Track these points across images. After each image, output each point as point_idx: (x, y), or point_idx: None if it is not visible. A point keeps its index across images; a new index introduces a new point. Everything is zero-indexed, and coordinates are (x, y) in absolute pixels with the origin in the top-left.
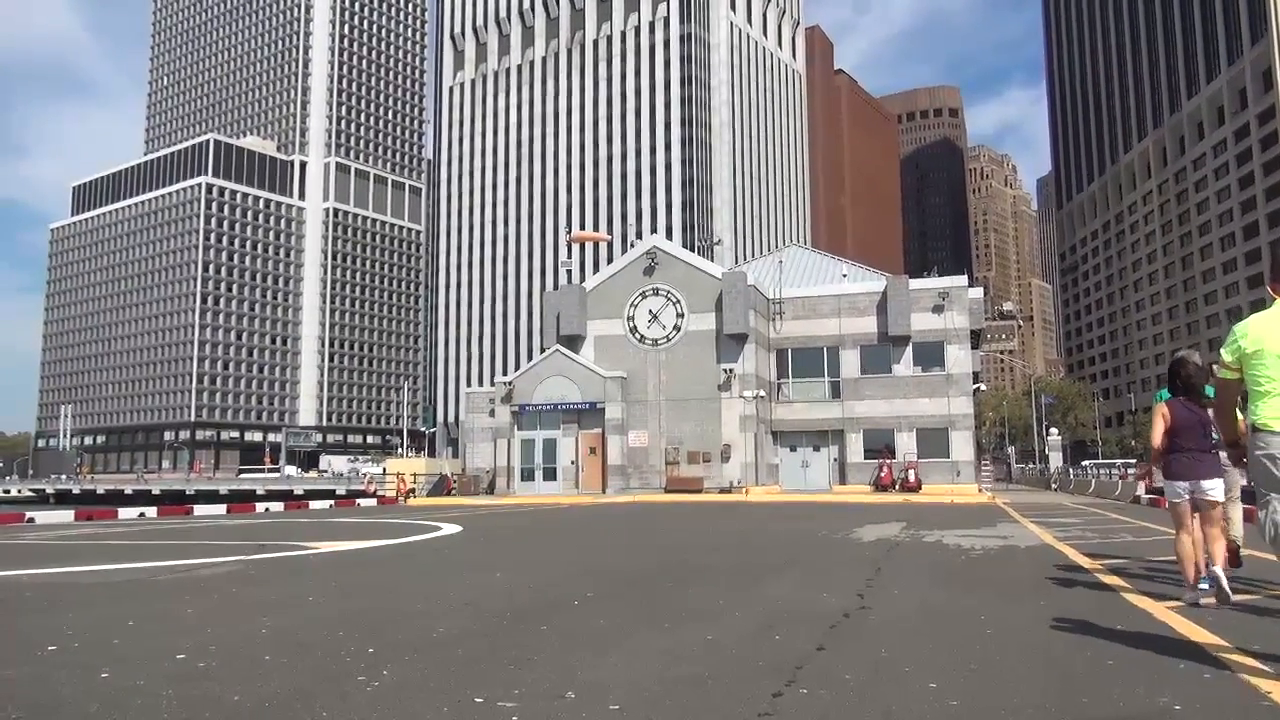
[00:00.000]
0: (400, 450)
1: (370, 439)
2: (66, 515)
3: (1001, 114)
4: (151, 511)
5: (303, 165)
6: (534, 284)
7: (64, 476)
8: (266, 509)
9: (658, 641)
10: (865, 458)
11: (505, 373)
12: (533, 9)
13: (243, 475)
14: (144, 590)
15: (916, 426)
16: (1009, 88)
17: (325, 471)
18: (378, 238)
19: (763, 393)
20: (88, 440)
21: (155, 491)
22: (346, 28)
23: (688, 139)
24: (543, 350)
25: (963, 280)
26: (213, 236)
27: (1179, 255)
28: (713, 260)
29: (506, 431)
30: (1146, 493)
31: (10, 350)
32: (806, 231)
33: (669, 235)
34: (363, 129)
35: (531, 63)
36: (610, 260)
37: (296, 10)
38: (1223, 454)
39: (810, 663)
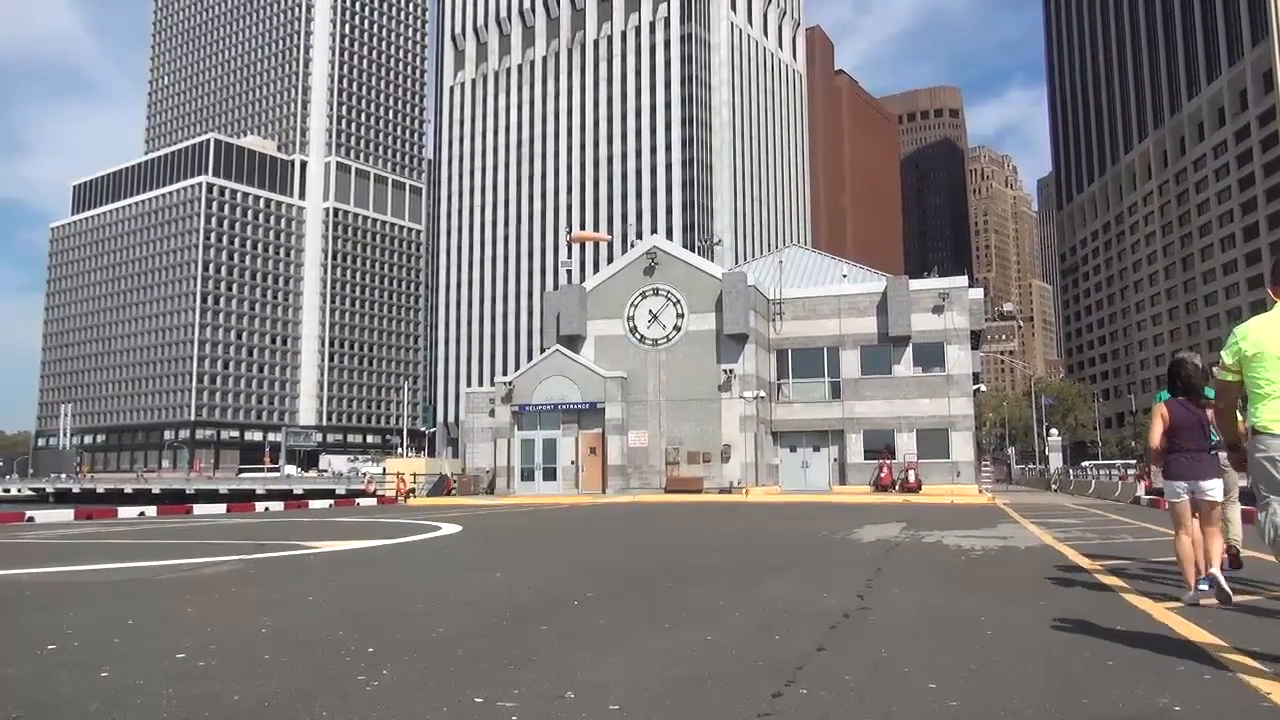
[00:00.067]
0: (400, 450)
1: (370, 439)
2: (66, 514)
3: (1002, 114)
4: (151, 511)
5: (303, 165)
6: (534, 284)
7: (64, 476)
8: (266, 508)
9: (658, 641)
10: (865, 458)
11: (505, 373)
12: (533, 9)
13: (243, 475)
14: (144, 589)
15: (916, 427)
16: (1009, 88)
17: (325, 471)
18: (378, 237)
19: (763, 393)
20: (88, 439)
21: (155, 491)
22: (347, 27)
23: (688, 139)
24: (543, 350)
25: (963, 281)
26: (213, 236)
27: (1179, 256)
28: (713, 260)
29: (506, 431)
30: (1146, 494)
31: (10, 349)
32: (806, 232)
33: (669, 235)
34: (363, 129)
35: (532, 63)
36: (610, 260)
37: (297, 10)
38: (1222, 455)
39: (810, 663)
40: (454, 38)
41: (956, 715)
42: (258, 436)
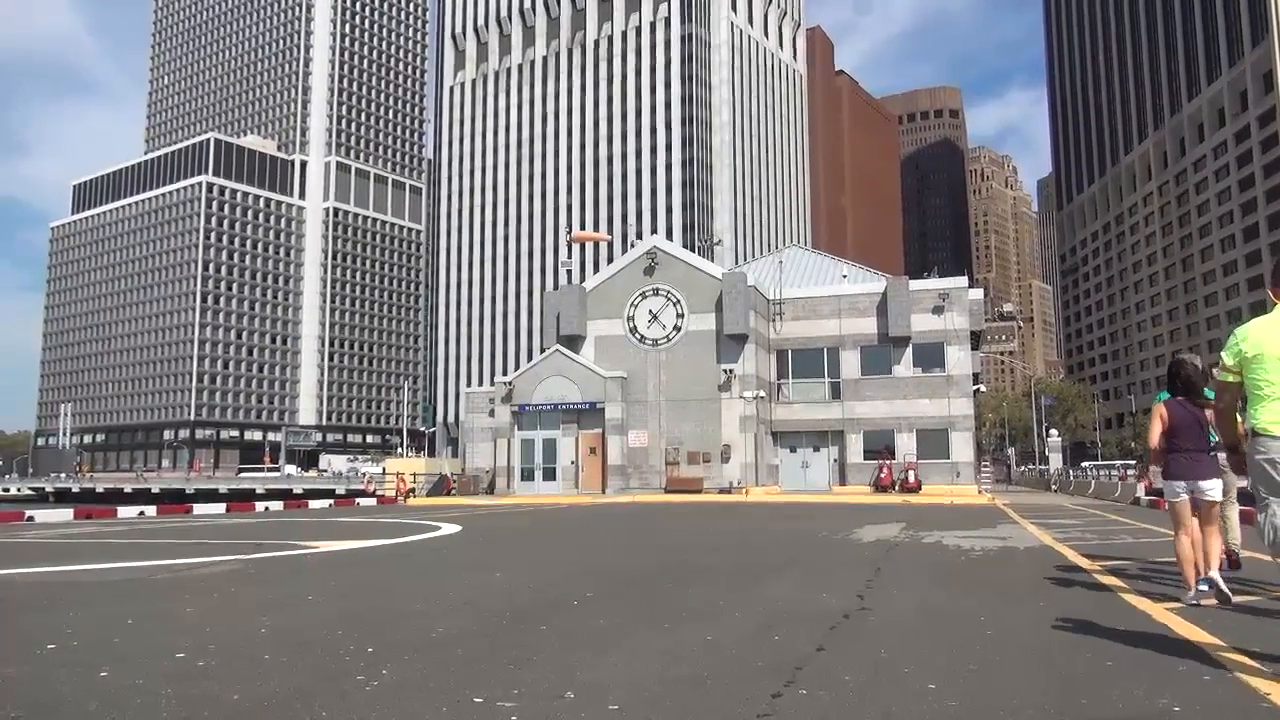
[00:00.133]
0: (400, 450)
1: (370, 438)
2: (66, 514)
3: (1002, 115)
4: (151, 510)
5: (303, 164)
6: (534, 284)
7: (63, 475)
8: (266, 508)
9: (657, 641)
10: (865, 458)
11: (505, 373)
12: (534, 9)
13: (242, 474)
14: (143, 589)
15: (916, 427)
16: (1010, 89)
17: (325, 471)
18: (378, 237)
19: (763, 393)
20: (87, 439)
21: (155, 490)
22: (347, 27)
23: (688, 139)
24: (543, 350)
25: (963, 281)
26: (213, 235)
27: (1179, 257)
28: (713, 260)
29: (506, 431)
30: (1146, 494)
31: (10, 349)
32: (806, 232)
33: (669, 235)
34: (363, 128)
35: (532, 62)
36: (610, 260)
37: (297, 10)
38: (1221, 456)
39: (810, 663)
40: (454, 37)
41: (956, 715)
42: (257, 436)
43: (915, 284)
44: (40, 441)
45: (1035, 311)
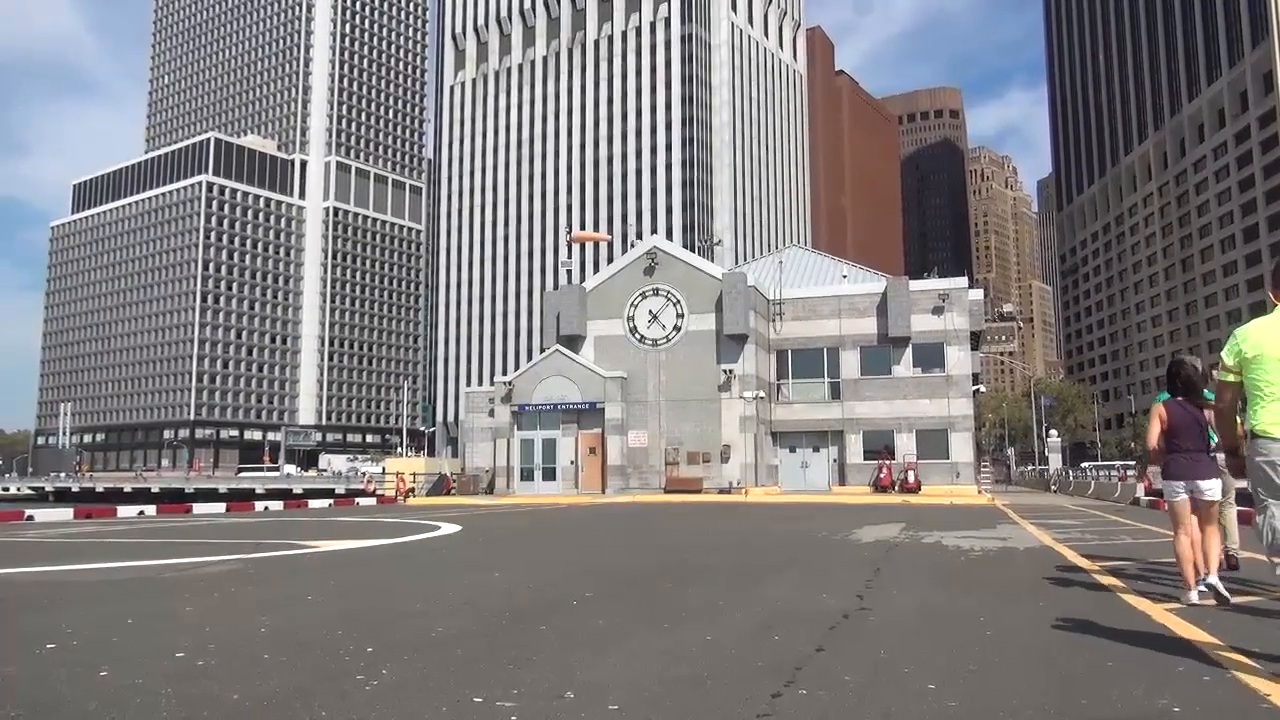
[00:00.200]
0: (400, 450)
1: (370, 438)
2: (66, 513)
3: (1002, 115)
4: (151, 510)
5: (303, 164)
6: (534, 284)
7: (63, 474)
8: (266, 508)
9: (657, 641)
10: (865, 459)
11: (505, 373)
12: (534, 9)
13: (242, 474)
14: (143, 588)
15: (916, 428)
16: (1010, 89)
17: (325, 470)
18: (378, 237)
19: (762, 393)
20: (87, 438)
21: (154, 490)
22: (347, 27)
23: (688, 139)
24: (543, 350)
25: (963, 281)
26: (213, 235)
27: (1179, 258)
28: (713, 260)
29: (506, 431)
30: (1146, 495)
31: (10, 349)
32: (806, 232)
33: (669, 235)
34: (363, 128)
35: (532, 62)
36: (610, 260)
37: (297, 9)
38: (1220, 456)
39: (809, 663)
40: (454, 37)
41: (956, 715)
42: (257, 436)
43: (915, 284)
44: (40, 441)
45: (1035, 312)
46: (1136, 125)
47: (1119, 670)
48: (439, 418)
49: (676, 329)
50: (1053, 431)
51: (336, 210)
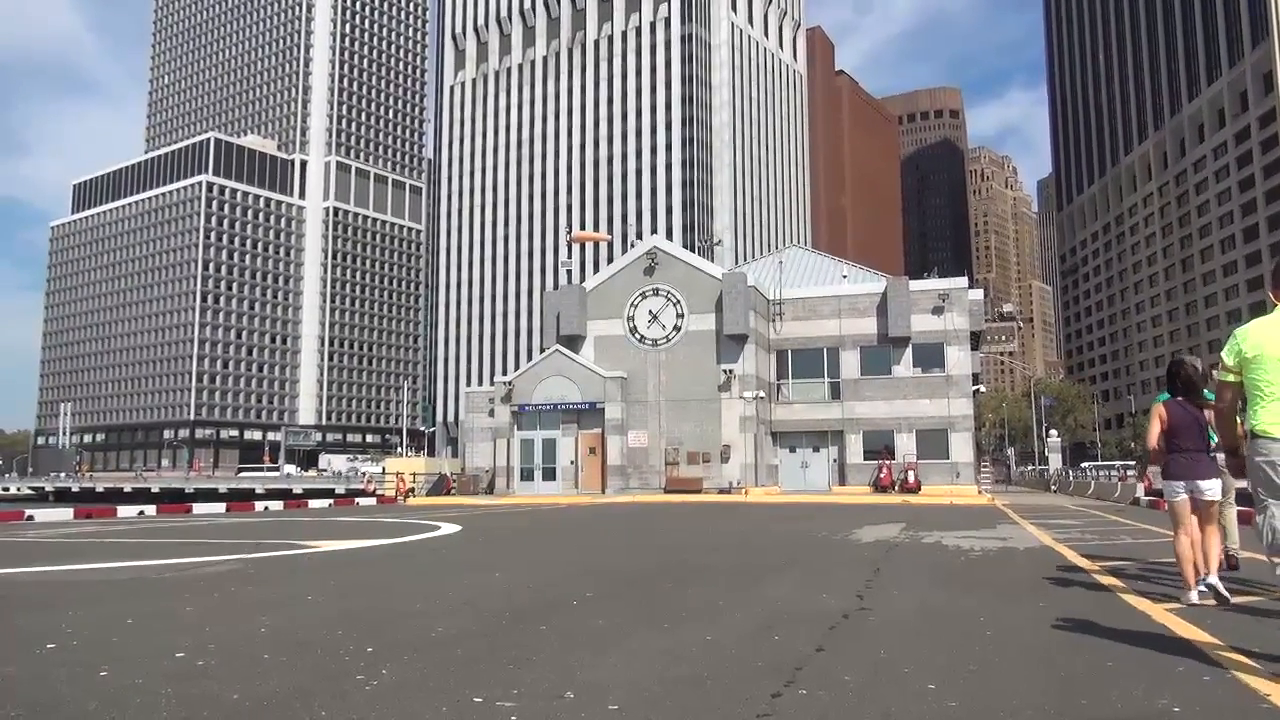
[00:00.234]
0: (400, 449)
1: (370, 438)
2: (66, 513)
3: (1002, 115)
4: (151, 510)
5: (303, 164)
6: (534, 284)
7: (63, 474)
8: (266, 508)
9: (657, 641)
10: (865, 459)
11: (505, 373)
12: (534, 9)
13: (242, 474)
14: (143, 588)
15: (916, 428)
16: (1010, 89)
17: (325, 470)
18: (378, 237)
19: (762, 393)
20: (87, 438)
21: (154, 490)
22: (347, 26)
23: (688, 139)
24: (543, 350)
25: (963, 282)
26: (213, 235)
27: (1179, 258)
28: (713, 260)
29: (506, 431)
30: (1146, 495)
31: (10, 349)
32: (806, 232)
33: (669, 235)
34: (363, 128)
35: (532, 62)
36: (610, 260)
37: (298, 9)
38: (1219, 456)
39: (809, 664)
40: (454, 37)
41: (955, 716)
42: (257, 436)
43: (915, 284)
44: (40, 441)
45: (1035, 312)
46: (1136, 125)
47: (1119, 670)
48: (439, 418)
49: (676, 329)
50: (1053, 431)
51: (336, 210)
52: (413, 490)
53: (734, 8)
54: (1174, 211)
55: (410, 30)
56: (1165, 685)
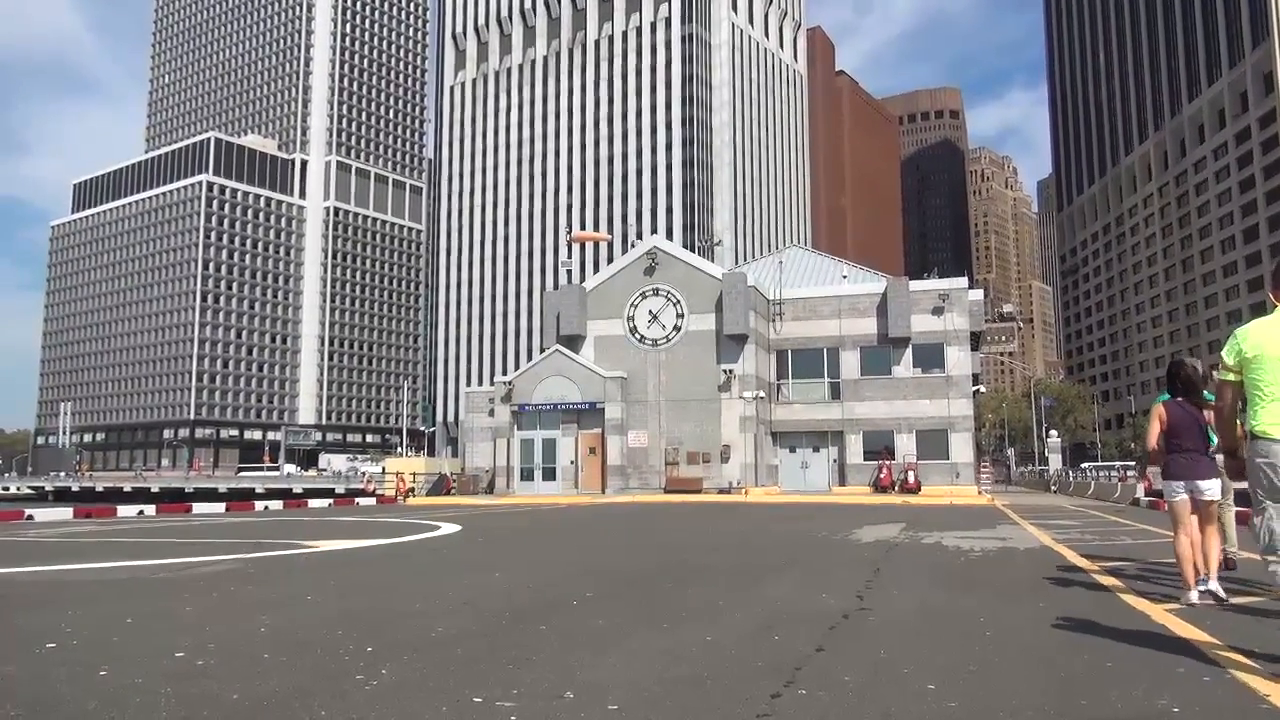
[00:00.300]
0: (400, 449)
1: (370, 438)
2: (65, 513)
3: (1002, 116)
4: (151, 509)
5: (303, 164)
6: (534, 284)
7: (63, 474)
8: (265, 507)
9: (657, 641)
10: (865, 459)
11: (505, 373)
12: (534, 9)
13: (242, 473)
14: (143, 588)
15: (916, 428)
16: (1010, 90)
17: (324, 470)
18: (378, 237)
19: (762, 393)
20: (87, 438)
21: (154, 489)
22: (348, 26)
23: (688, 139)
24: (543, 350)
25: (963, 282)
26: (213, 235)
27: (1179, 258)
28: (713, 261)
29: (506, 431)
30: (1146, 495)
31: (10, 348)
32: (807, 232)
33: (669, 235)
34: (363, 128)
35: (533, 62)
36: (610, 260)
37: (298, 9)
38: (1219, 457)
39: (809, 664)
40: (454, 37)
41: (955, 716)
42: (257, 435)
43: (915, 284)
44: (40, 440)
45: (1035, 312)
46: (1136, 125)
47: (1119, 670)
48: (439, 418)
49: (676, 329)
50: (1053, 432)
51: (337, 210)
52: (413, 490)
53: (734, 8)
54: (1174, 212)
55: (410, 30)
56: (1165, 685)
